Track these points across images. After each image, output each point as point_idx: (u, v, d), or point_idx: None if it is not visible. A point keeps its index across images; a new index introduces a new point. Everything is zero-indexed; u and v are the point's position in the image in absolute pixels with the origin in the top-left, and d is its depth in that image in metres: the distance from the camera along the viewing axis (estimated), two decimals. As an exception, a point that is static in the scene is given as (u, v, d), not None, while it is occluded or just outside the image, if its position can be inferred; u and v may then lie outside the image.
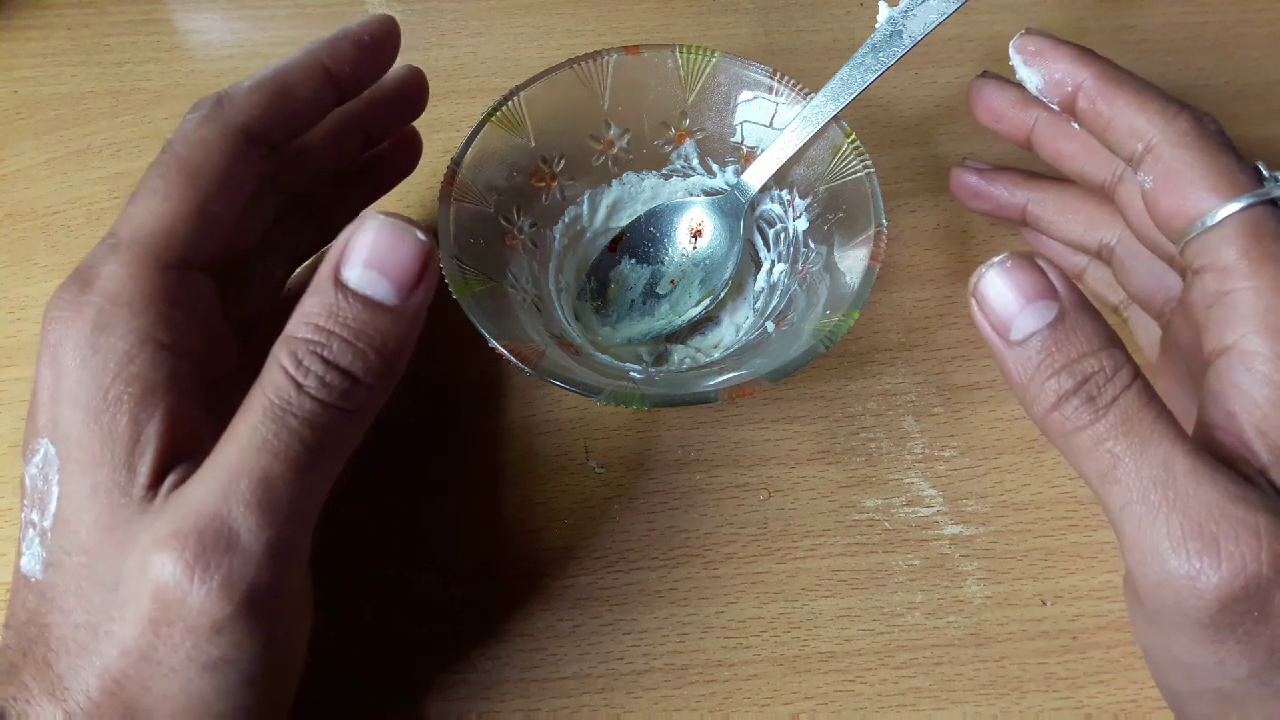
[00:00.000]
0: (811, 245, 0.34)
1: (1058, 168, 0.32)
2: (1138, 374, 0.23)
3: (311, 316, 0.22)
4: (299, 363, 0.22)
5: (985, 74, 0.33)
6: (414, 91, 0.32)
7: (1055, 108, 0.30)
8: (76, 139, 0.40)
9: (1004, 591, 0.31)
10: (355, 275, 0.22)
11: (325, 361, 0.22)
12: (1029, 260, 0.23)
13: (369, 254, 0.22)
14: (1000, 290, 0.23)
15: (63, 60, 0.42)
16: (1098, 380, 0.22)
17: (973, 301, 0.24)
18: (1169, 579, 0.22)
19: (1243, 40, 0.44)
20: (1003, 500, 0.33)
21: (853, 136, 0.33)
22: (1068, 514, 0.32)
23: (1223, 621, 0.21)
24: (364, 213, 0.23)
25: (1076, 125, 0.30)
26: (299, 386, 0.22)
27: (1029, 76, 0.29)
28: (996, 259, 0.24)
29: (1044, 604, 0.31)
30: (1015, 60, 0.30)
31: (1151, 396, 0.23)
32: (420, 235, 0.23)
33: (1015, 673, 0.30)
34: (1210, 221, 0.25)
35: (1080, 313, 0.23)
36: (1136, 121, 0.27)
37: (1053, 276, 0.23)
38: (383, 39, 0.29)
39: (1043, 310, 0.23)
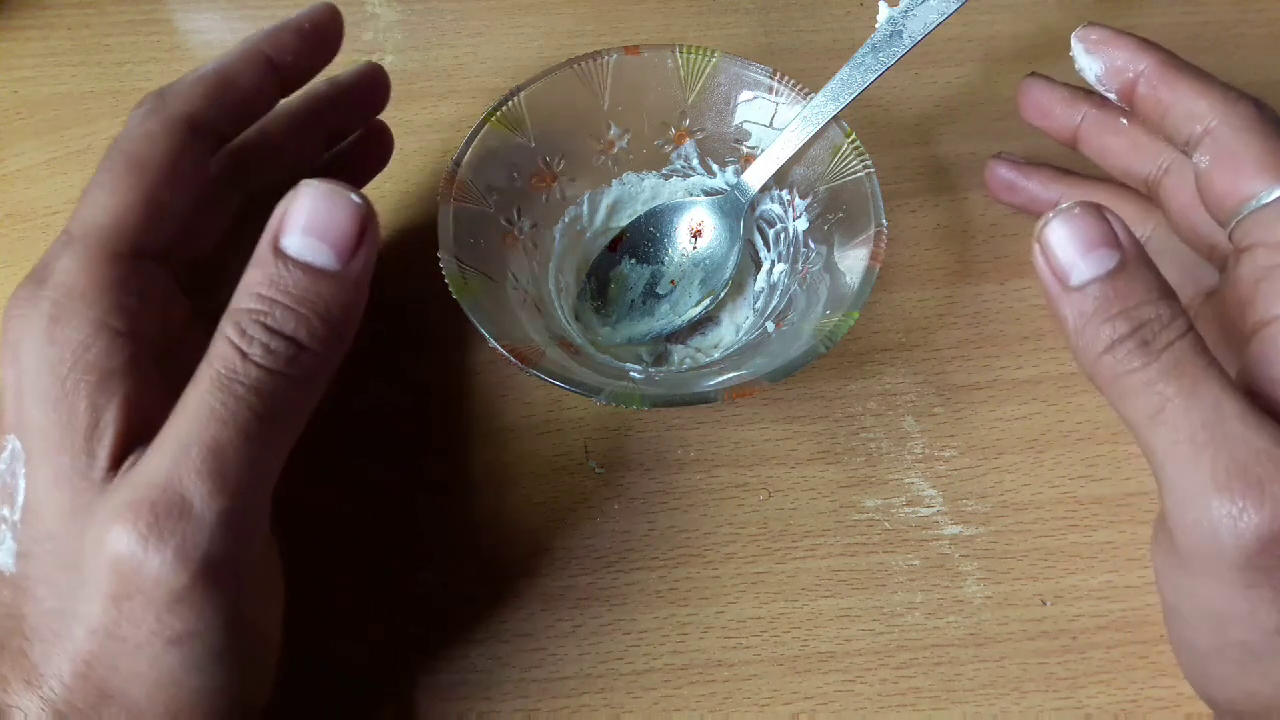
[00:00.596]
0: (811, 245, 0.34)
1: (1101, 164, 0.33)
2: (1191, 326, 0.23)
3: (254, 286, 0.22)
4: (243, 332, 0.22)
5: (1033, 74, 0.33)
6: (372, 85, 0.32)
7: (1113, 96, 0.30)
8: (76, 139, 0.40)
9: (1004, 591, 0.31)
10: (294, 243, 0.22)
11: (269, 329, 0.22)
12: (1096, 209, 0.24)
13: (306, 220, 0.23)
14: (1063, 237, 0.24)
15: (63, 60, 0.42)
16: (1153, 326, 0.23)
17: (1035, 247, 0.24)
18: (1210, 518, 0.22)
19: (1243, 40, 0.44)
20: (1003, 500, 0.33)
21: (853, 136, 0.33)
22: (1068, 514, 0.32)
23: (1259, 564, 0.22)
24: (302, 181, 0.23)
25: (1125, 121, 0.31)
26: (244, 355, 0.22)
27: (1089, 65, 0.30)
28: (1063, 206, 0.24)
29: (1044, 604, 0.31)
30: (1076, 49, 0.30)
31: (1204, 347, 0.23)
32: (355, 199, 0.23)
33: (1015, 673, 0.30)
34: (1265, 199, 0.26)
35: (1140, 264, 0.23)
36: (1197, 106, 0.27)
37: (1117, 227, 0.24)
38: (323, 26, 0.29)
39: (1104, 258, 0.23)
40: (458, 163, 0.32)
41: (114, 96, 0.41)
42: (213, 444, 0.21)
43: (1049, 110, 0.33)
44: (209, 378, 0.22)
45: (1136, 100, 0.29)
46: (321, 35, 0.29)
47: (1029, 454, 0.33)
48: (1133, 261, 0.23)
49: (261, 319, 0.22)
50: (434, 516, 0.32)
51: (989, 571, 0.31)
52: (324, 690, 0.29)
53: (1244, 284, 0.26)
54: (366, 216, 0.23)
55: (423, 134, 0.39)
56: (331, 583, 0.30)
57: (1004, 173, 0.36)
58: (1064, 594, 0.31)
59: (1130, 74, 0.29)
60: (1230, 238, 0.27)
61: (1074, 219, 0.24)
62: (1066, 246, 0.24)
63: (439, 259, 0.30)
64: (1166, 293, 0.23)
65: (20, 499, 0.23)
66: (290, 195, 0.23)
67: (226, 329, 0.22)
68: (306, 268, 0.22)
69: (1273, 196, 0.25)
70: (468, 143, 0.32)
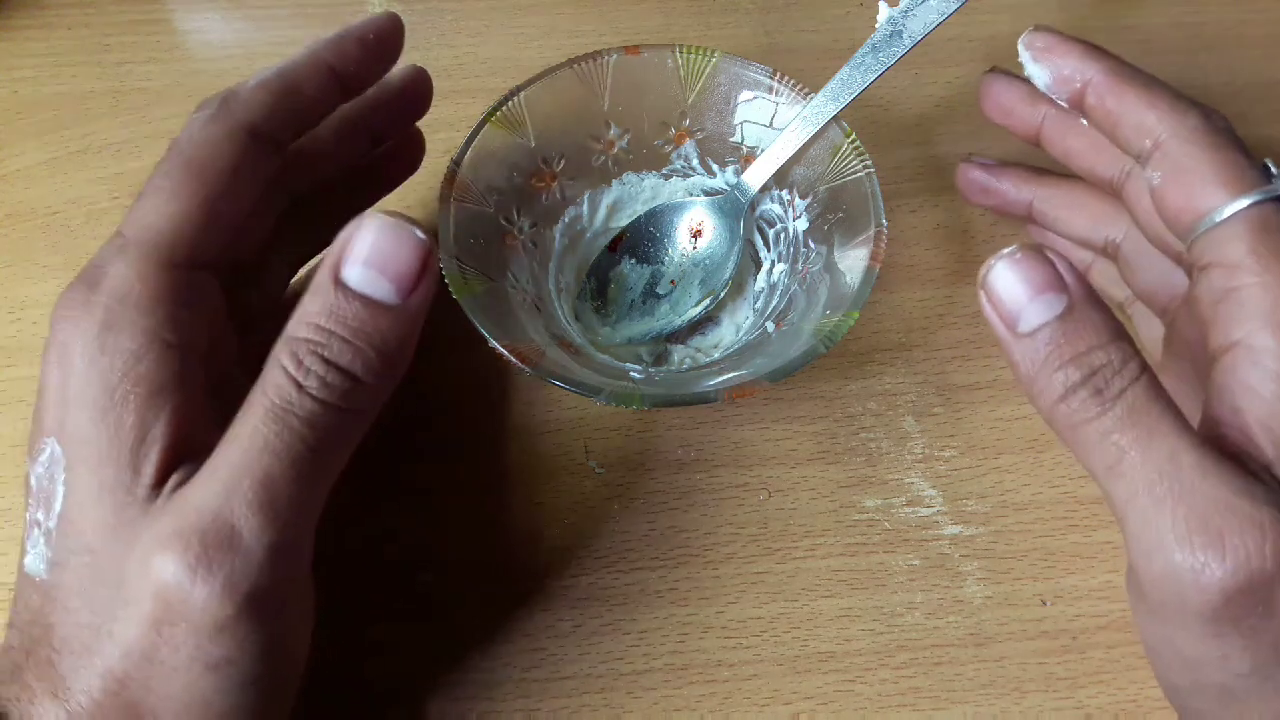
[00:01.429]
0: (811, 245, 0.34)
1: (1066, 164, 0.32)
2: (1145, 367, 0.23)
3: (312, 316, 0.22)
4: (299, 363, 0.22)
5: (994, 69, 0.33)
6: (419, 91, 0.32)
7: (1064, 104, 0.29)
8: (76, 139, 0.40)
9: (1004, 591, 0.31)
10: (355, 275, 0.22)
11: (326, 361, 0.22)
12: (1038, 252, 0.23)
13: (369, 253, 0.22)
14: (1009, 282, 0.23)
15: (63, 60, 0.42)
16: (1105, 373, 0.22)
17: (981, 293, 0.24)
18: (1173, 573, 0.22)
19: (1243, 40, 0.44)
20: (1003, 500, 0.33)
21: (853, 136, 0.33)
22: (1068, 514, 0.32)
23: (1226, 616, 0.21)
24: (364, 213, 0.23)
25: (1085, 122, 0.30)
26: (300, 387, 0.22)
27: (1037, 73, 0.29)
28: (1006, 250, 0.23)
29: (1044, 604, 0.31)
30: (1024, 57, 0.29)
31: (1159, 390, 0.23)
32: (419, 234, 0.23)
33: (1015, 673, 0.30)
34: (1218, 218, 0.25)
35: (1089, 305, 0.23)
36: (1145, 118, 0.27)
37: (1062, 268, 0.23)
38: (386, 37, 0.29)
39: (1052, 302, 0.23)
40: (458, 163, 0.32)
41: (114, 96, 0.41)
42: (264, 476, 0.21)
43: (1009, 109, 0.32)
44: (263, 407, 0.22)
45: (1086, 110, 0.29)
46: (384, 46, 0.29)
47: (1029, 454, 0.33)
48: (1080, 304, 0.23)
49: (319, 350, 0.22)
50: (434, 516, 0.32)
51: (989, 571, 0.32)
52: (325, 690, 0.29)
53: (1204, 304, 0.26)
54: (428, 252, 0.23)
55: (423, 134, 0.39)
56: (332, 582, 0.30)
57: (975, 175, 0.35)
58: (1064, 594, 0.31)
59: (1078, 83, 0.28)
60: (1189, 253, 0.27)
61: (1017, 263, 0.23)
62: (1012, 291, 0.23)
63: (439, 259, 0.30)
64: (1118, 334, 0.23)
65: (58, 506, 0.23)
66: (353, 225, 0.23)
67: (283, 358, 0.22)
68: (366, 300, 0.22)
69: (1224, 215, 0.25)
70: (468, 143, 0.32)
